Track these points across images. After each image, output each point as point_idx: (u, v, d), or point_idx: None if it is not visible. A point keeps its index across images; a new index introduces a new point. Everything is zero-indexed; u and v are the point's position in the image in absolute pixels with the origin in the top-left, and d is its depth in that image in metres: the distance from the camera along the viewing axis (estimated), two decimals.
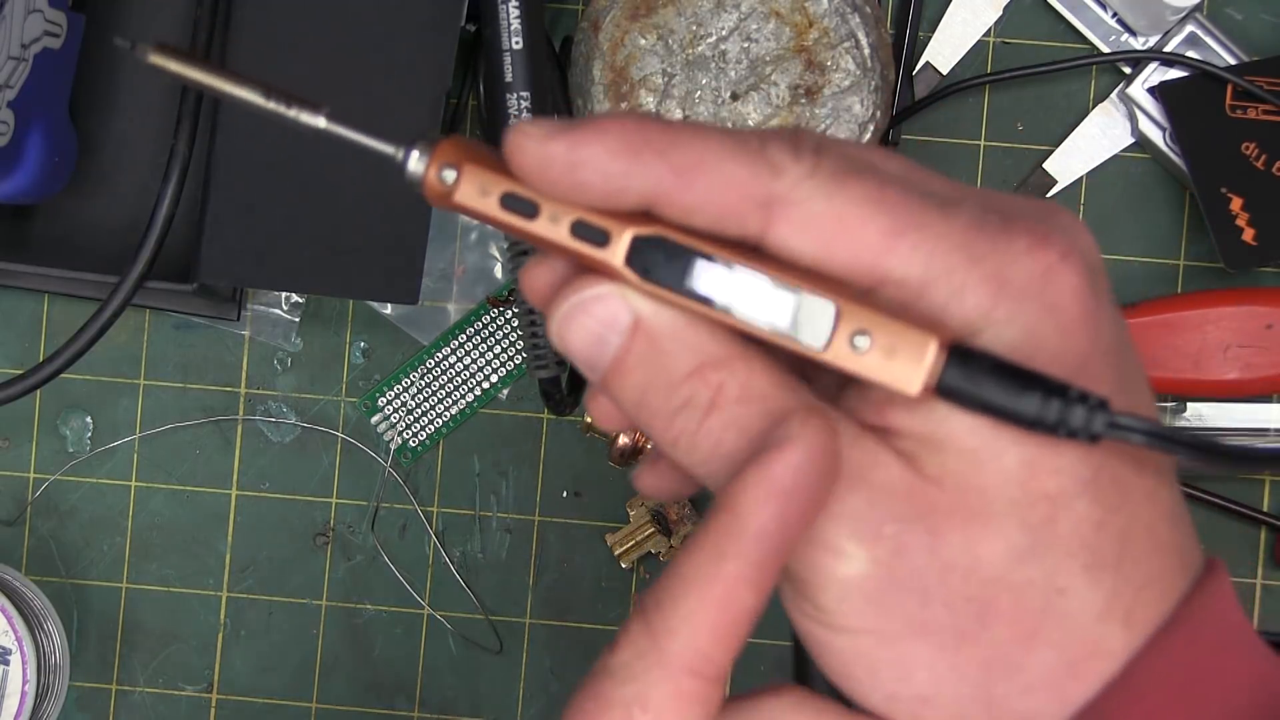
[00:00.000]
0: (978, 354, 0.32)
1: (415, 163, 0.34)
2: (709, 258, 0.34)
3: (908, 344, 0.32)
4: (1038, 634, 0.33)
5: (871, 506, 0.33)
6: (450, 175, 0.34)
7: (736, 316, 0.33)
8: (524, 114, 0.58)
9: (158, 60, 0.35)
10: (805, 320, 0.33)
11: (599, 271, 0.34)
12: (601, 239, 0.34)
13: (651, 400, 0.34)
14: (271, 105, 0.35)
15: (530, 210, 0.34)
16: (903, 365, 0.32)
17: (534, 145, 0.33)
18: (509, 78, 0.57)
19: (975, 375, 0.32)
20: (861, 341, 0.33)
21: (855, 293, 0.33)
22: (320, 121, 0.35)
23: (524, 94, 0.57)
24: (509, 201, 0.34)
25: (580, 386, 0.62)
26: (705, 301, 0.33)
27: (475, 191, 0.34)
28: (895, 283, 0.33)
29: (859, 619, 0.34)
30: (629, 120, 0.33)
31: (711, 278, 0.33)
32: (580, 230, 0.34)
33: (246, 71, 0.35)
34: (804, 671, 0.70)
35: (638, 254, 0.34)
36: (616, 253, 0.34)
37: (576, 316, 0.34)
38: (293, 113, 0.35)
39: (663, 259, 0.34)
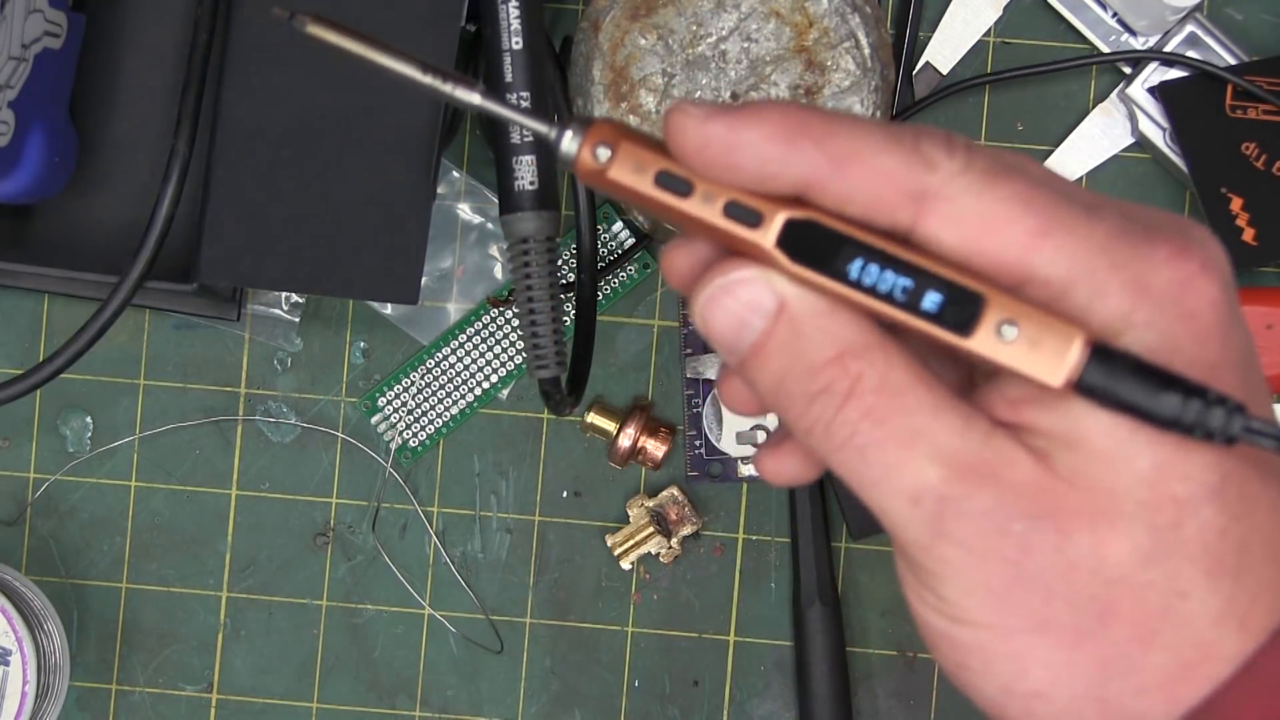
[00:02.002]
0: (1119, 353, 0.33)
1: (569, 141, 0.35)
2: (860, 244, 0.34)
3: (1053, 336, 0.33)
4: (1156, 636, 0.34)
5: (1000, 503, 0.34)
6: (604, 153, 0.35)
7: (885, 302, 0.34)
8: None
9: (315, 31, 0.35)
10: (952, 308, 0.34)
11: (746, 254, 0.35)
12: (754, 220, 0.35)
13: (790, 385, 0.35)
14: (428, 80, 0.36)
15: (684, 189, 0.35)
16: (1047, 357, 0.33)
17: (694, 125, 0.34)
18: (509, 78, 0.57)
19: (1116, 373, 0.33)
20: (1009, 331, 0.33)
21: (1001, 286, 0.34)
22: (475, 98, 0.36)
23: (524, 94, 0.57)
24: (663, 179, 0.35)
25: (580, 386, 0.62)
26: (856, 286, 0.34)
27: (630, 168, 0.35)
28: (1039, 281, 0.34)
29: (981, 613, 0.34)
30: (787, 107, 0.34)
31: (862, 263, 0.34)
32: (733, 210, 0.35)
33: (379, 40, 0.36)
34: (804, 672, 0.70)
35: (789, 237, 0.35)
36: (768, 235, 0.35)
37: (721, 298, 0.35)
38: (448, 88, 0.35)
39: (814, 243, 0.34)
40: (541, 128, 0.36)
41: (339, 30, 0.35)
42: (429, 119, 0.60)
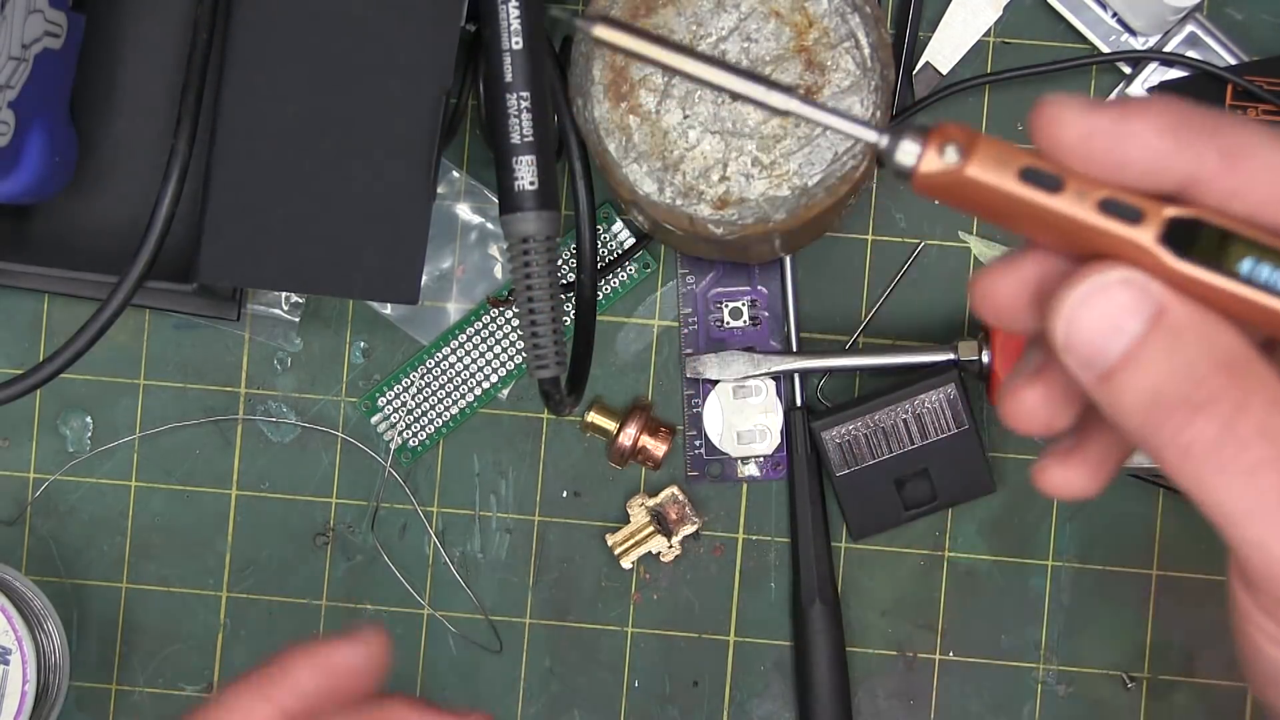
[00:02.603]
0: None
1: (908, 147, 0.33)
2: (1253, 241, 0.32)
3: None
4: None
5: None
6: (954, 152, 0.33)
7: None
8: (524, 114, 0.58)
9: (603, 34, 0.33)
10: None
11: (1117, 256, 0.33)
12: (1134, 216, 0.33)
13: (1167, 397, 0.33)
14: (741, 86, 0.34)
15: (1054, 184, 0.33)
16: None
17: (1077, 116, 0.33)
18: (509, 78, 0.57)
19: None
20: None
21: None
22: (792, 104, 0.34)
23: (524, 94, 0.57)
24: (1030, 175, 0.33)
25: (580, 386, 0.62)
26: (1250, 284, 0.32)
27: (993, 164, 0.33)
28: None
29: None
30: (1172, 101, 0.33)
31: (1254, 261, 0.32)
32: (1111, 207, 0.33)
33: (683, 45, 0.34)
34: (804, 672, 0.70)
35: (1171, 235, 0.33)
36: (1149, 232, 0.33)
37: (1095, 299, 0.33)
38: (758, 93, 0.34)
39: (1199, 242, 0.33)
40: (870, 135, 0.34)
41: (631, 33, 0.33)
42: (429, 119, 0.60)
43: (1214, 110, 0.33)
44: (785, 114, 0.34)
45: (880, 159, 0.34)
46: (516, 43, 0.58)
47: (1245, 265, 0.32)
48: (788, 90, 0.34)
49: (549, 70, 0.60)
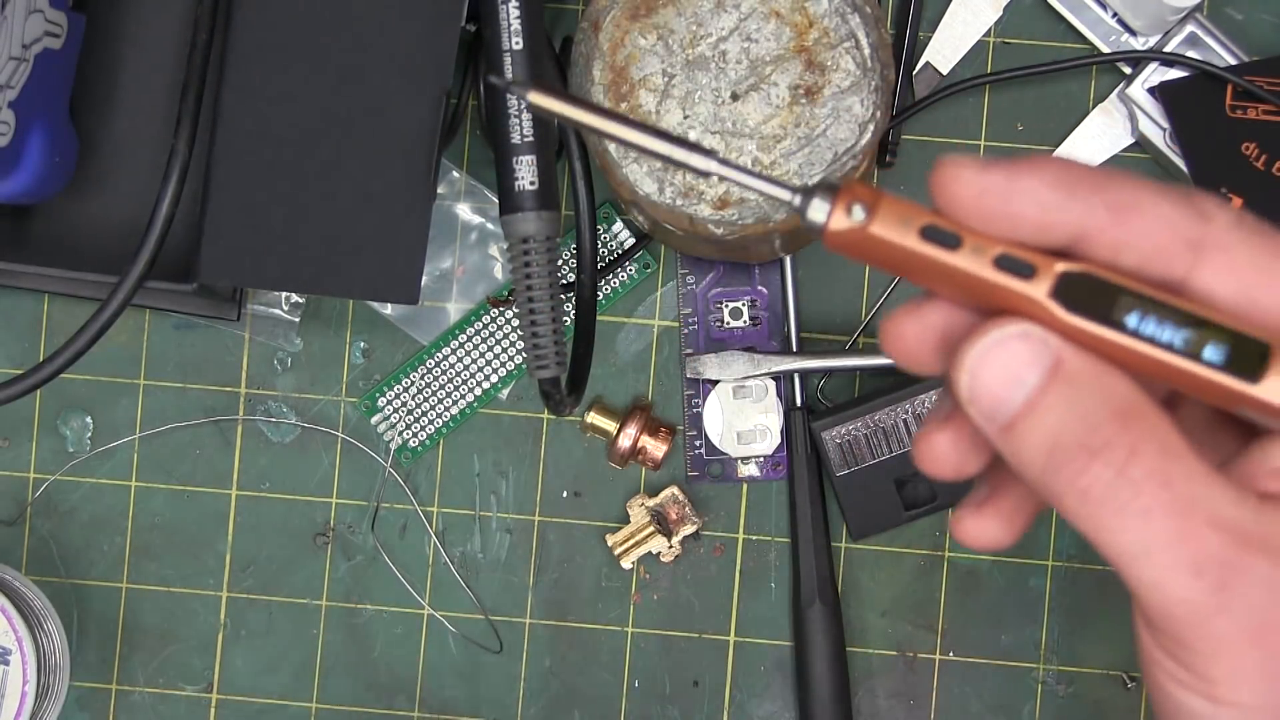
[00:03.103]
0: None
1: (818, 205, 0.35)
2: (1138, 294, 0.34)
3: None
4: None
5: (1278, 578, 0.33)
6: (860, 211, 0.34)
7: (1167, 352, 0.34)
8: (524, 114, 0.58)
9: (538, 100, 0.35)
10: (1237, 357, 0.33)
11: (1013, 309, 0.34)
12: (1027, 272, 0.34)
13: (1064, 445, 0.34)
14: (661, 148, 0.35)
15: (952, 242, 0.34)
16: None
17: (972, 174, 0.34)
18: (509, 78, 0.57)
19: None
20: None
21: None
22: (712, 165, 0.35)
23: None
24: (930, 233, 0.34)
25: (580, 386, 0.62)
26: (1135, 337, 0.34)
27: (894, 223, 0.34)
28: None
29: (1249, 694, 0.33)
30: (1061, 160, 0.34)
31: (1140, 314, 0.34)
32: (1005, 263, 0.34)
33: (611, 110, 0.36)
34: (804, 672, 0.70)
35: (1061, 290, 0.34)
36: (1041, 287, 0.34)
37: (995, 353, 0.34)
38: (680, 155, 0.35)
39: (1088, 296, 0.34)
40: (784, 195, 0.35)
41: (564, 99, 0.35)
42: (429, 119, 0.60)
43: (1102, 169, 0.34)
44: (707, 174, 0.35)
45: (800, 218, 0.35)
46: (517, 43, 0.58)
47: (1132, 319, 0.34)
48: (708, 153, 0.35)
49: (549, 70, 0.60)
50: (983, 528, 0.38)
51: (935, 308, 0.36)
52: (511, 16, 0.57)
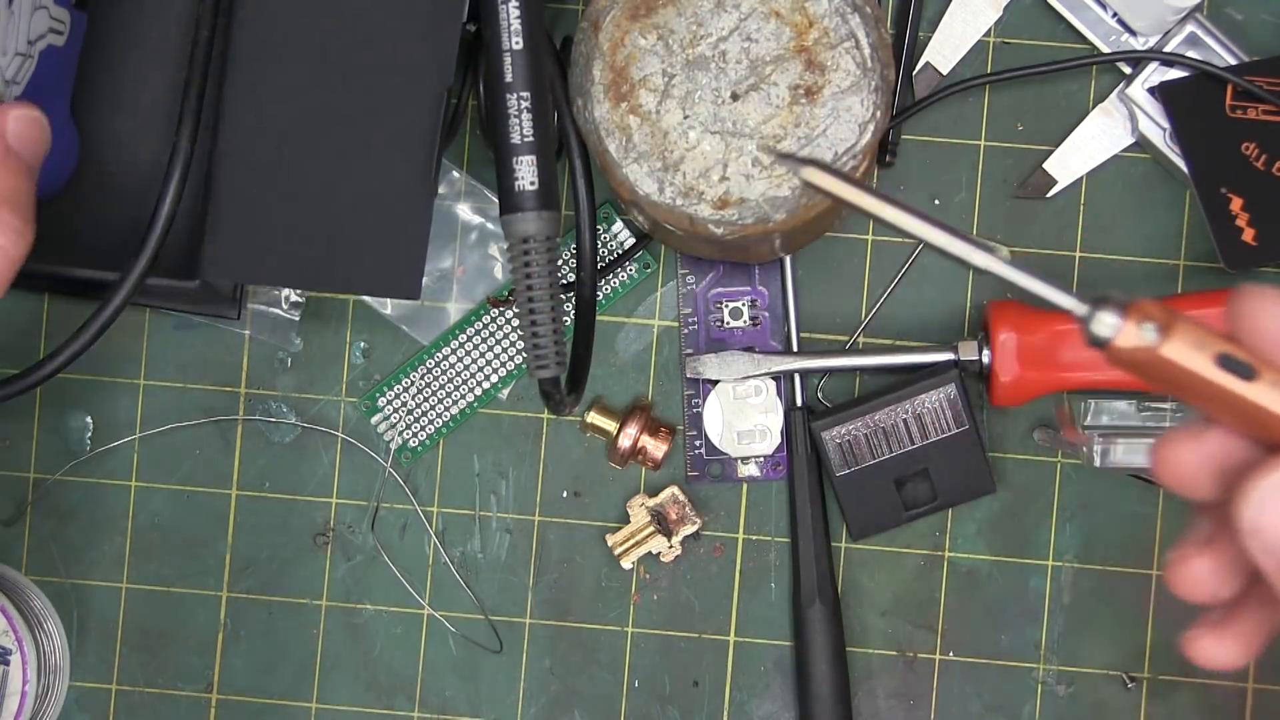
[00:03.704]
0: None
1: (1108, 319, 0.34)
2: None
3: None
4: None
5: None
6: (1151, 330, 0.34)
7: None
8: (524, 114, 0.58)
9: (811, 178, 0.34)
10: None
11: None
12: None
13: None
14: (941, 239, 0.35)
15: (1248, 373, 0.34)
16: None
17: (1277, 308, 0.33)
18: (509, 78, 0.57)
19: None
20: None
21: None
22: (994, 265, 0.35)
23: (524, 94, 0.57)
24: (1226, 362, 0.34)
25: (580, 386, 0.62)
26: None
27: (1189, 347, 0.34)
28: None
29: None
30: None
31: None
32: None
33: (890, 196, 0.35)
34: (804, 672, 0.70)
35: None
36: None
37: None
38: (962, 250, 0.35)
39: None
40: (1069, 303, 0.34)
41: (840, 179, 0.35)
42: (430, 116, 0.60)
43: None
44: (983, 271, 0.35)
45: (1079, 326, 0.35)
46: (517, 43, 0.57)
47: None
48: (990, 249, 0.35)
49: (550, 70, 0.60)
50: (1222, 649, 0.39)
51: (1216, 435, 0.36)
52: (512, 16, 0.57)
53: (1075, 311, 0.34)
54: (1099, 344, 0.34)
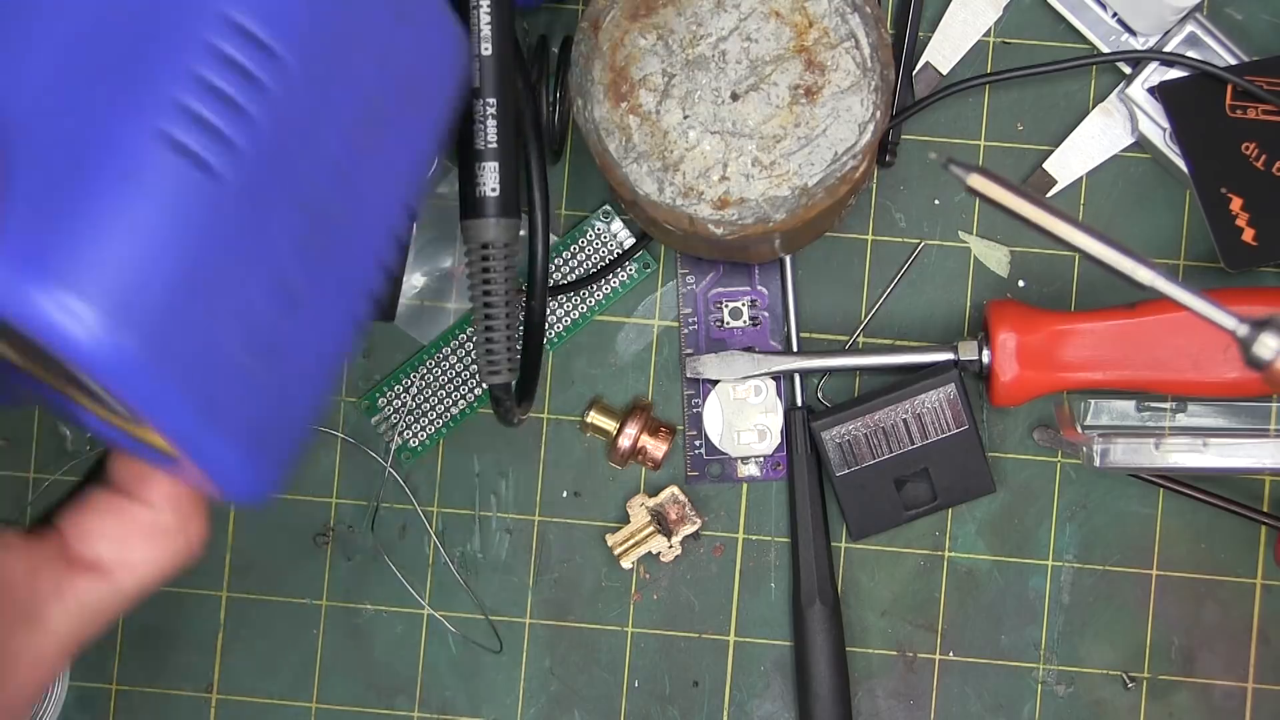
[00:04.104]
0: None
1: (1270, 342, 0.34)
2: None
3: None
4: None
5: None
6: None
7: None
8: (489, 120, 0.58)
9: (977, 185, 0.34)
10: None
11: None
12: None
13: None
14: (1100, 250, 0.35)
15: None
16: None
17: None
18: (476, 83, 0.58)
19: None
20: None
21: None
22: (1157, 280, 0.35)
23: (490, 100, 0.58)
24: None
25: (530, 394, 0.62)
26: None
27: None
28: None
29: None
30: None
31: None
32: None
33: (1053, 206, 0.36)
34: (804, 672, 0.70)
35: None
36: None
37: None
38: (1123, 263, 0.35)
39: None
40: (1231, 324, 0.35)
41: (1005, 188, 0.35)
42: None
43: None
44: (1146, 288, 0.35)
45: (1240, 348, 0.35)
46: (486, 49, 0.58)
47: None
48: (1150, 265, 0.35)
49: (518, 78, 0.60)
50: None
51: None
52: (482, 22, 0.58)
53: (1236, 333, 0.35)
54: (1259, 366, 0.35)
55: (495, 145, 0.58)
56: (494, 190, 0.58)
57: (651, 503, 0.68)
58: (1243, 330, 0.34)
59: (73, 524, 0.45)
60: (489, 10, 0.57)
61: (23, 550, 0.43)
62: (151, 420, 0.40)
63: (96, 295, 0.38)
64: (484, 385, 0.68)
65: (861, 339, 0.68)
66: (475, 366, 0.68)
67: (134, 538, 0.44)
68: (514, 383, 0.59)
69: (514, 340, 0.59)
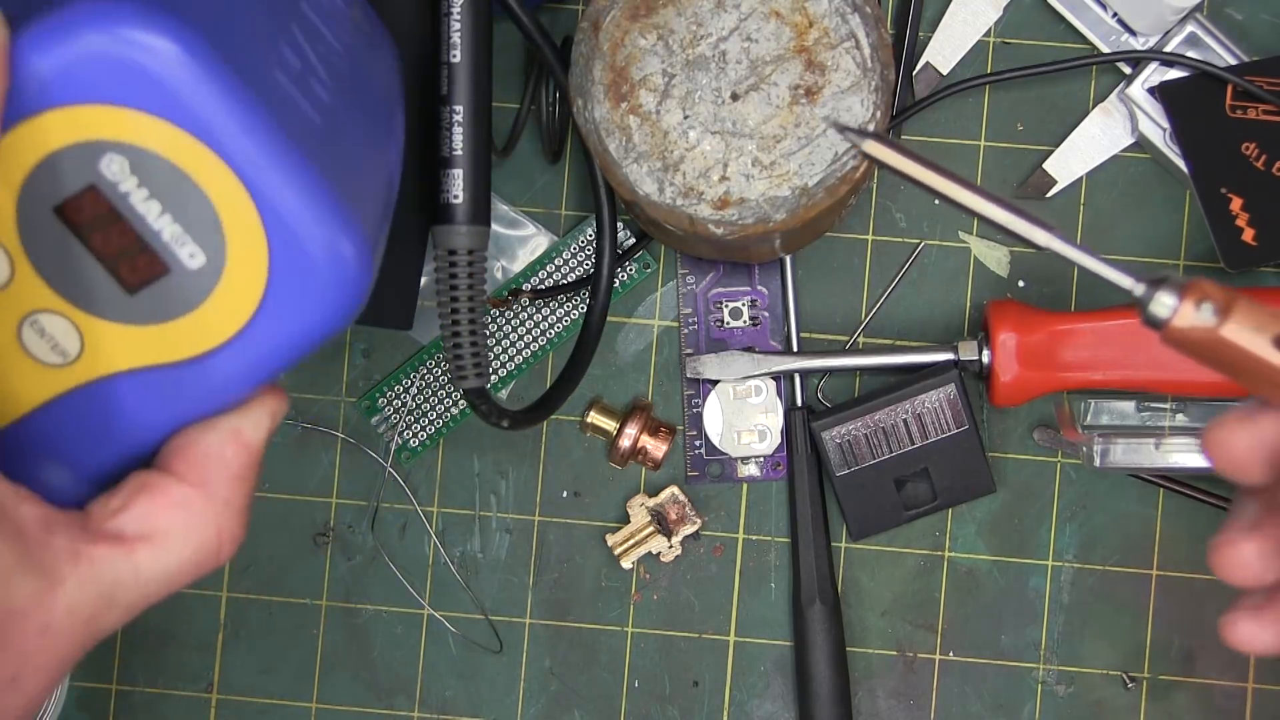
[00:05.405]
0: None
1: (1164, 299, 0.34)
2: None
3: None
4: None
5: None
6: (1209, 311, 0.34)
7: None
8: (455, 128, 0.58)
9: (872, 150, 0.34)
10: None
11: None
12: None
13: None
14: (998, 213, 0.35)
15: None
16: None
17: None
18: (444, 90, 0.58)
19: None
20: None
21: None
22: (1054, 242, 0.35)
23: (457, 108, 0.58)
24: None
25: (548, 410, 0.62)
26: None
27: (1249, 328, 0.34)
28: None
29: None
30: None
31: None
32: None
33: (948, 170, 0.36)
34: (804, 672, 0.70)
35: None
36: None
37: None
38: (1018, 225, 0.35)
39: None
40: (1127, 282, 0.34)
41: (899, 152, 0.35)
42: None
43: None
44: (1043, 249, 0.35)
45: (1138, 308, 0.35)
46: (455, 56, 0.58)
47: None
48: (1048, 227, 0.35)
49: (489, 88, 0.60)
50: (1261, 633, 0.38)
51: (1270, 419, 0.35)
52: (453, 30, 0.58)
53: (1133, 291, 0.34)
54: (1156, 325, 0.34)
55: (460, 152, 0.58)
56: (457, 197, 0.58)
57: (651, 503, 0.68)
58: (1139, 289, 0.34)
59: (99, 502, 0.43)
60: (459, 17, 0.58)
61: (42, 507, 0.41)
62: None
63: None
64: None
65: (861, 339, 0.68)
66: None
67: (160, 512, 0.42)
68: (487, 385, 0.60)
69: (480, 346, 0.59)
